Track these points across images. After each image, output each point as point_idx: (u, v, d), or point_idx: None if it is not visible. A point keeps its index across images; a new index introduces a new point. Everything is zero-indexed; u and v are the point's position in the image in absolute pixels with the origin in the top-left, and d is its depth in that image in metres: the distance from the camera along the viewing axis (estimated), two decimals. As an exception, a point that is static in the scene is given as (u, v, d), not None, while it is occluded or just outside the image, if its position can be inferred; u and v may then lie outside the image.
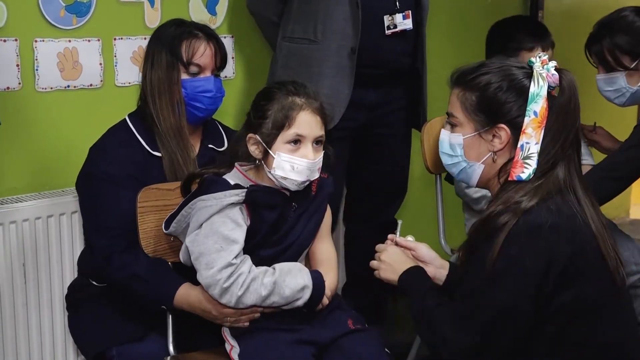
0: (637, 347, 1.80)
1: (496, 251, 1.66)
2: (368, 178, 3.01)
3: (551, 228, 1.66)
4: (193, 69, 2.18)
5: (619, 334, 1.77)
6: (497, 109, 1.75)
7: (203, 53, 2.17)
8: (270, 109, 1.94)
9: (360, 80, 2.72)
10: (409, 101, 2.94)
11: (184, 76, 2.17)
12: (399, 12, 2.74)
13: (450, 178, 2.86)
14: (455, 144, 1.82)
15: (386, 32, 2.74)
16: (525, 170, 1.73)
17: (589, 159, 2.90)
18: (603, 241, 1.73)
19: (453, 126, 1.83)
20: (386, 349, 2.06)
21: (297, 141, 1.93)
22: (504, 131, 1.75)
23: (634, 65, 2.56)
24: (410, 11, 2.77)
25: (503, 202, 1.71)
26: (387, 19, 2.74)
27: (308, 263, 2.10)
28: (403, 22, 2.75)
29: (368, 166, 2.98)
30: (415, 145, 2.98)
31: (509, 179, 1.74)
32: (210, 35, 2.21)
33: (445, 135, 1.85)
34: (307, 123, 1.93)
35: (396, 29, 2.75)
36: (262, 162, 1.96)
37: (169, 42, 2.17)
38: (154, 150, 2.16)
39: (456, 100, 1.81)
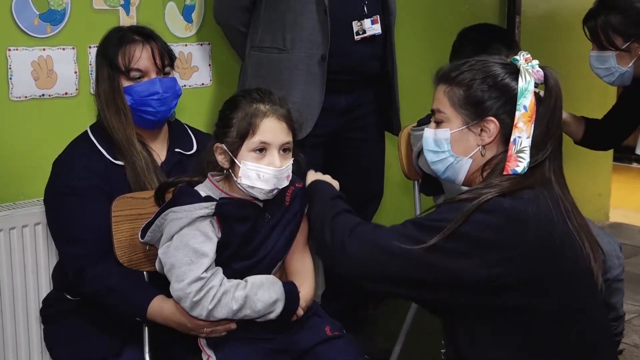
0: (611, 345, 1.83)
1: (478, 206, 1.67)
2: (343, 182, 2.98)
3: (533, 219, 1.67)
4: (134, 74, 2.14)
5: (594, 334, 1.77)
6: (484, 103, 1.78)
7: (140, 57, 2.14)
8: (235, 117, 1.92)
9: (332, 86, 2.72)
10: (381, 104, 2.95)
11: (127, 83, 2.14)
12: (367, 18, 2.75)
13: (426, 189, 2.84)
14: (442, 139, 1.83)
15: (355, 37, 2.75)
16: (520, 164, 1.74)
17: None
18: (581, 239, 1.74)
19: (439, 123, 1.84)
20: (365, 356, 2.05)
21: (262, 149, 1.91)
22: (493, 124, 1.77)
23: (625, 46, 2.52)
24: (378, 16, 2.77)
25: (481, 187, 1.73)
26: (355, 25, 2.74)
27: (284, 274, 2.07)
28: (372, 27, 2.76)
29: (342, 170, 2.96)
30: (394, 150, 2.98)
31: (504, 172, 1.75)
32: (148, 37, 2.18)
33: (429, 133, 1.86)
34: (271, 130, 1.91)
35: (365, 35, 2.76)
36: (230, 171, 1.95)
37: (108, 52, 2.15)
38: (115, 160, 2.14)
39: (443, 96, 1.82)
